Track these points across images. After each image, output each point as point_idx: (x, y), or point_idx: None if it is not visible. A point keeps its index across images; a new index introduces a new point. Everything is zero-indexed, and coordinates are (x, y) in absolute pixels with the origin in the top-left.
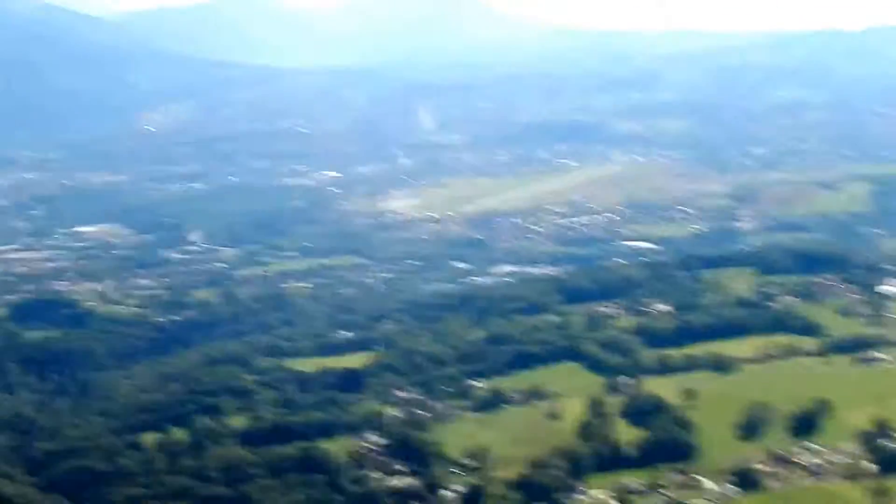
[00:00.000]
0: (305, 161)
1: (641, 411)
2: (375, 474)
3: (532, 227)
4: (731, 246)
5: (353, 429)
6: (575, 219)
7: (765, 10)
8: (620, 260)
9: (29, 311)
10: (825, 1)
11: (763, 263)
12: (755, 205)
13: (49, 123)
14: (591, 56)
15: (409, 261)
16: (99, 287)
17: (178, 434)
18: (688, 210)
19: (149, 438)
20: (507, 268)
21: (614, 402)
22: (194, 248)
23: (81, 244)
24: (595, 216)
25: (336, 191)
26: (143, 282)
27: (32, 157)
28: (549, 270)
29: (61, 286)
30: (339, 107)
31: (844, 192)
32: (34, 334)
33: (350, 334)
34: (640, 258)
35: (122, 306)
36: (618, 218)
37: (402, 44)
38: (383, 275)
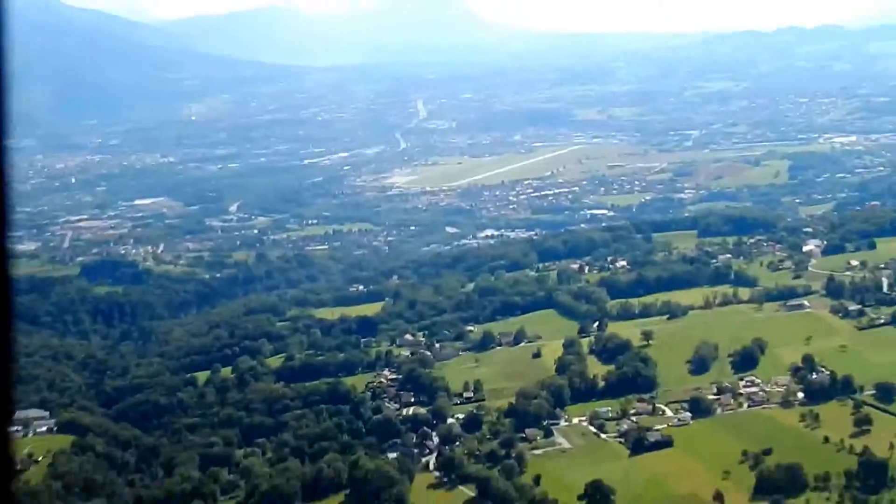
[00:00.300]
0: (321, 144)
1: (608, 350)
2: (390, 404)
3: (510, 197)
4: (675, 212)
5: (370, 366)
6: (545, 191)
7: (696, 13)
8: (584, 225)
9: (96, 270)
10: (745, 4)
11: (703, 227)
12: (693, 178)
13: (109, 114)
14: (557, 54)
15: (410, 227)
16: (154, 250)
17: (225, 372)
18: (638, 183)
19: (200, 376)
20: (491, 232)
21: (586, 343)
22: (232, 217)
23: (138, 214)
24: (562, 188)
25: (347, 169)
26: (191, 245)
27: (96, 141)
28: (526, 234)
29: (122, 249)
30: (347, 98)
31: (767, 168)
32: (101, 289)
33: (363, 287)
34: (601, 223)
35: (174, 266)
36: (581, 190)
37: (400, 44)
38: (389, 238)
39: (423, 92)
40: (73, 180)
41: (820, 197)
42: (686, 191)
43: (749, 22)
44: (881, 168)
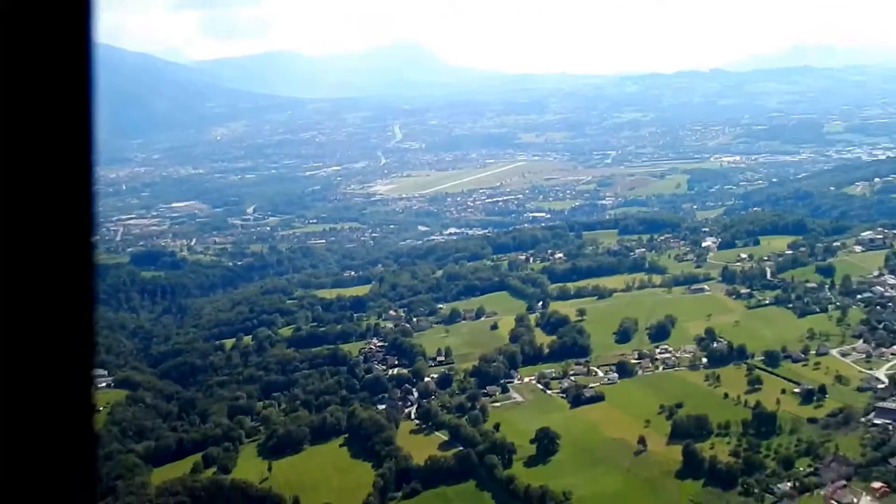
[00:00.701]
0: (319, 160)
1: (551, 324)
2: (379, 366)
3: (469, 203)
4: (599, 215)
5: (362, 336)
6: (496, 197)
7: (612, 59)
8: (528, 224)
9: (143, 259)
10: (651, 51)
11: (622, 226)
12: (612, 188)
13: (152, 135)
14: (502, 90)
15: (390, 225)
16: (188, 242)
17: (246, 340)
18: (569, 192)
19: (227, 343)
20: (454, 230)
21: (533, 318)
22: (249, 217)
23: (175, 214)
24: (509, 196)
25: (340, 179)
26: (217, 239)
27: (142, 156)
28: (482, 231)
29: (163, 242)
30: (339, 124)
31: (670, 180)
32: (147, 274)
33: (354, 273)
34: (541, 223)
35: (204, 255)
36: (524, 197)
37: (381, 81)
38: (373, 235)
39: (399, 119)
40: (124, 187)
41: (712, 204)
42: (607, 198)
43: (654, 66)
44: (760, 181)
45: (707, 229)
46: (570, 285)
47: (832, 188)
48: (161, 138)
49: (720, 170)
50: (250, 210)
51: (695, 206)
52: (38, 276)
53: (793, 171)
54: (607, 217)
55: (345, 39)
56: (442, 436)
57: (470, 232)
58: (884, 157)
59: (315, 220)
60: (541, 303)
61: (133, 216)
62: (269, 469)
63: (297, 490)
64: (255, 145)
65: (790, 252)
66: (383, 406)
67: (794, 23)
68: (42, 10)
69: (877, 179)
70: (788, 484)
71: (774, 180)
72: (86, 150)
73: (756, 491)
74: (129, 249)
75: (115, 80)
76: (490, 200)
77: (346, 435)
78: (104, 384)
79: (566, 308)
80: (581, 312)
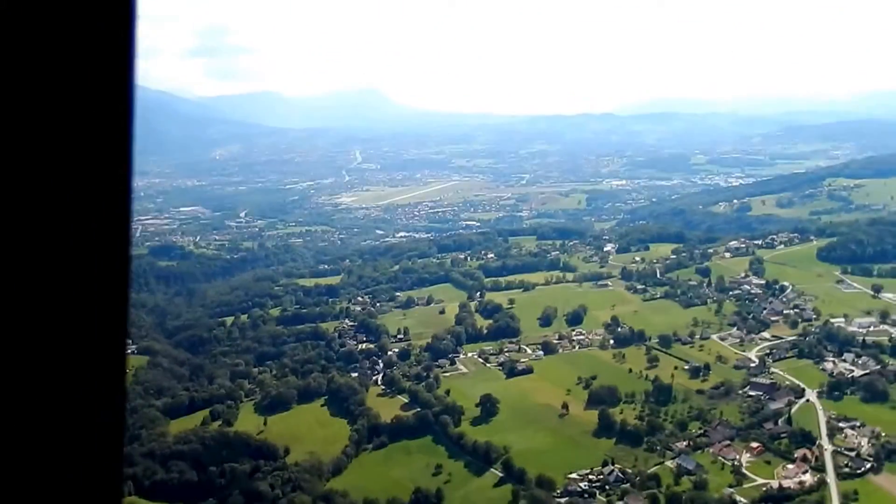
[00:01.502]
0: (297, 176)
1: (488, 310)
2: (351, 342)
3: (415, 212)
4: (518, 224)
5: (336, 317)
6: (437, 209)
7: (525, 102)
8: (463, 231)
9: (159, 251)
10: (555, 96)
11: (539, 234)
12: (528, 203)
13: (166, 155)
14: (441, 125)
15: (354, 229)
16: (194, 239)
17: (243, 318)
18: (494, 205)
19: (228, 320)
20: (404, 233)
21: (473, 305)
22: (242, 220)
23: (183, 217)
24: (447, 207)
25: (313, 192)
26: (217, 237)
27: (157, 170)
28: (426, 235)
29: (174, 238)
30: (312, 148)
31: (572, 198)
32: (162, 263)
33: (327, 266)
34: (473, 230)
35: (207, 250)
36: (458, 209)
37: (345, 117)
38: (341, 236)
39: (359, 146)
40: (142, 194)
41: (606, 217)
42: (524, 211)
43: (558, 108)
44: (642, 200)
45: (607, 237)
46: (501, 279)
47: (700, 207)
48: (173, 157)
49: (611, 191)
50: (243, 214)
51: (593, 219)
52: (91, 261)
53: (668, 193)
54: (525, 226)
55: (317, 84)
56: (403, 399)
57: (417, 235)
58: (737, 183)
59: (294, 224)
60: (478, 293)
61: (150, 217)
62: (265, 423)
63: (287, 441)
64: (247, 164)
65: (674, 256)
66: (356, 374)
67: (666, 78)
68: (100, 67)
69: (735, 201)
70: (684, 443)
71: (654, 200)
72: (126, 166)
73: (658, 448)
74: (147, 244)
75: (140, 112)
76: (432, 211)
77: (326, 396)
78: (129, 351)
79: (499, 297)
80: (511, 301)
